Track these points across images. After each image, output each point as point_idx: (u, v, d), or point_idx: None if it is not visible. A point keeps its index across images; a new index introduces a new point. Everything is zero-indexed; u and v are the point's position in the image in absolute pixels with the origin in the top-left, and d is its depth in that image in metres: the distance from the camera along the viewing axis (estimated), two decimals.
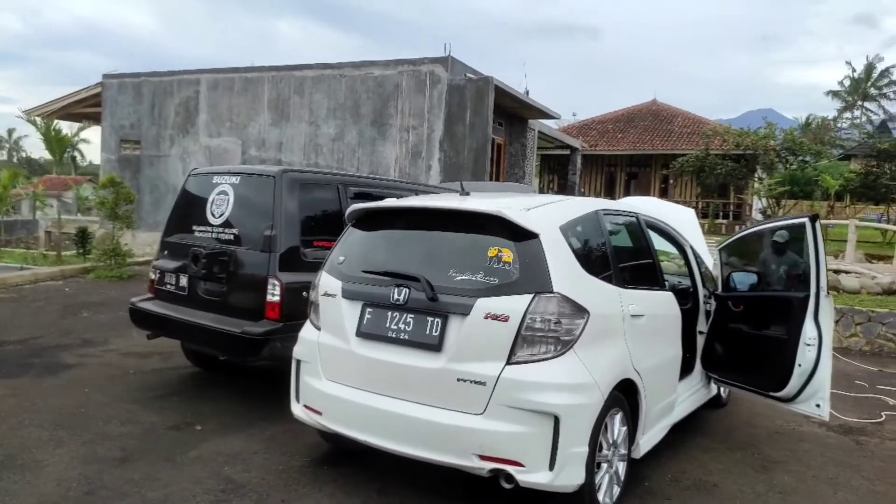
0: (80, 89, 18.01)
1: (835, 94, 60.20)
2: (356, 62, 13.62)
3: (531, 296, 3.27)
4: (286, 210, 5.05)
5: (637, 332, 3.84)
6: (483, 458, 3.26)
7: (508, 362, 3.26)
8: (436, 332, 3.44)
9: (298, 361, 4.08)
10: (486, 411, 3.27)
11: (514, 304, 3.27)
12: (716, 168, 24.58)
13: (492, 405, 3.26)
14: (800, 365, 4.44)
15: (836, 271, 11.36)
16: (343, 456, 4.35)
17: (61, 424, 4.71)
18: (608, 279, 3.74)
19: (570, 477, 3.22)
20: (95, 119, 18.29)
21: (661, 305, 4.34)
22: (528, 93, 14.68)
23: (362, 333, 3.69)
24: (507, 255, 3.40)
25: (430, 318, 3.47)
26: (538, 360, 3.25)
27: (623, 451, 3.74)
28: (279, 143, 14.40)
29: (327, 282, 3.94)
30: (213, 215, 5.39)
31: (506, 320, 3.27)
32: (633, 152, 30.16)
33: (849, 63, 75.57)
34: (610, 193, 30.03)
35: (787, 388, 4.51)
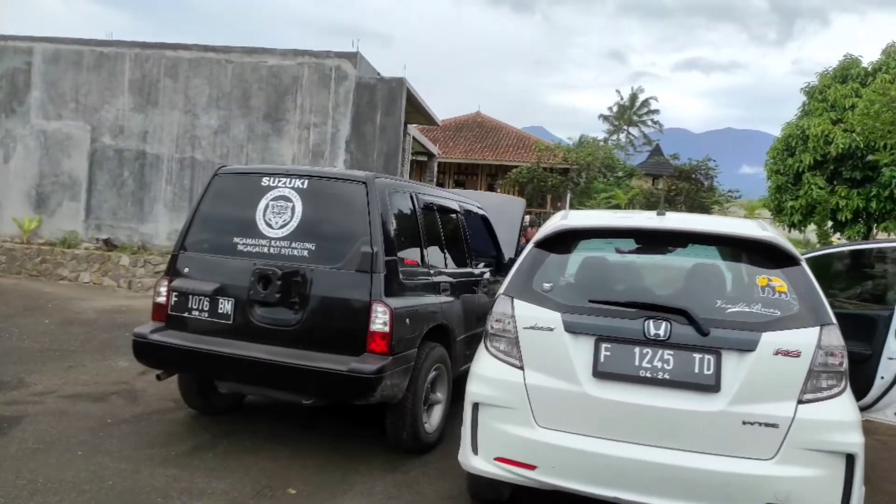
0: None
1: (605, 118, 68.08)
2: (247, 48, 12.15)
3: (818, 328, 3.07)
4: (383, 222, 4.26)
5: None
6: None
7: (800, 401, 3.02)
8: (709, 370, 3.07)
9: (477, 405, 3.41)
10: (777, 455, 2.99)
11: (804, 338, 3.04)
12: (546, 180, 26.31)
13: (785, 448, 2.99)
14: (882, 377, 4.76)
15: None
16: None
17: None
18: None
19: None
20: None
21: None
22: None
23: (601, 373, 3.17)
24: (779, 283, 3.16)
25: (698, 356, 3.09)
26: (828, 398, 3.05)
27: None
28: (143, 132, 12.33)
29: (532, 312, 3.33)
30: (271, 226, 4.37)
31: (797, 356, 3.02)
32: (466, 161, 31.09)
33: (618, 91, 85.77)
34: None
35: (865, 399, 4.83)
